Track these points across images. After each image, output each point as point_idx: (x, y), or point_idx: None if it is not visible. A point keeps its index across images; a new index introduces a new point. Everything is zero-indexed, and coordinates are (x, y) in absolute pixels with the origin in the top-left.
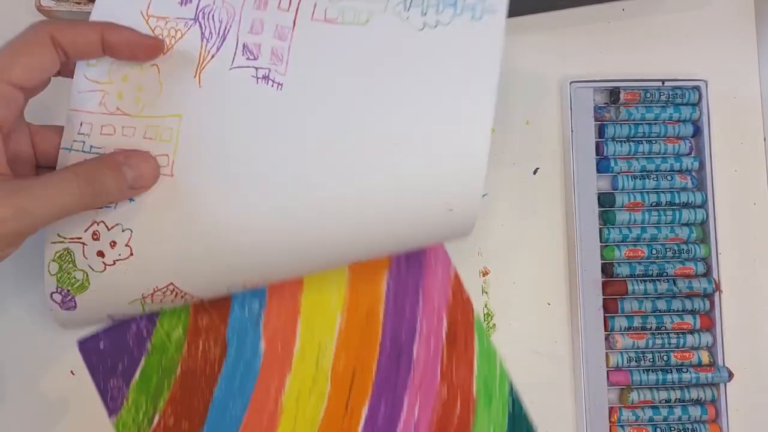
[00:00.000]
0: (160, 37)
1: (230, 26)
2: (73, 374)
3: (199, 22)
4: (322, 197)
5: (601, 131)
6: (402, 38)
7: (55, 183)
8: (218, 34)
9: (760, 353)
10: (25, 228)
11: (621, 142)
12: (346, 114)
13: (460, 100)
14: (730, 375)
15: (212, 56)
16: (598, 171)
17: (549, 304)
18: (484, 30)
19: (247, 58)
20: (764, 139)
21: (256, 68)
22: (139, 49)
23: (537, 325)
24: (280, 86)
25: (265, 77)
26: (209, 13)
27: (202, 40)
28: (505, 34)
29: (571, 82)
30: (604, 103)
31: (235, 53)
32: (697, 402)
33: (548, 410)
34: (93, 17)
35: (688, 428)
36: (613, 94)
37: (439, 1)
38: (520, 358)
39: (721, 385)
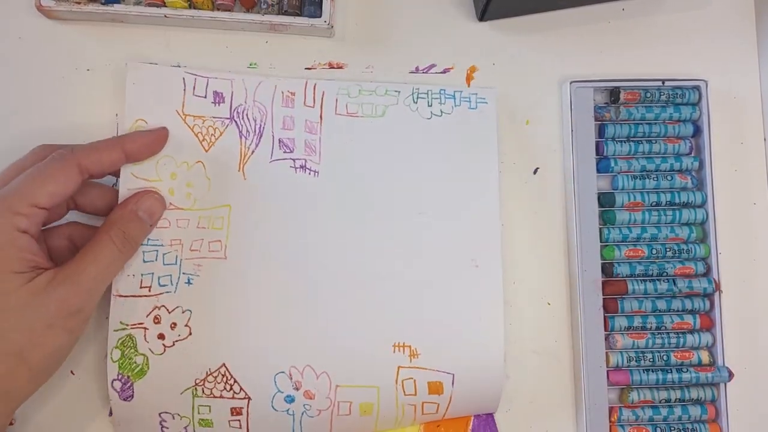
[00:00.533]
0: (200, 134)
1: (264, 123)
2: (73, 374)
3: (235, 121)
4: (357, 268)
5: (601, 131)
6: (414, 126)
7: (98, 250)
8: (255, 131)
9: (760, 353)
10: (95, 301)
11: (621, 141)
12: (372, 192)
13: (468, 169)
14: (730, 375)
15: (252, 152)
16: (598, 171)
17: (549, 303)
18: (480, 115)
19: (284, 152)
20: (764, 139)
21: (294, 159)
22: (155, 145)
23: (537, 325)
24: (316, 173)
25: (303, 167)
26: (243, 112)
27: (240, 137)
28: (496, 119)
29: (571, 82)
30: (604, 103)
31: (272, 148)
32: (697, 402)
33: (548, 410)
34: (127, 114)
35: (688, 428)
36: (613, 93)
37: (441, 94)
38: (520, 357)
39: (721, 385)
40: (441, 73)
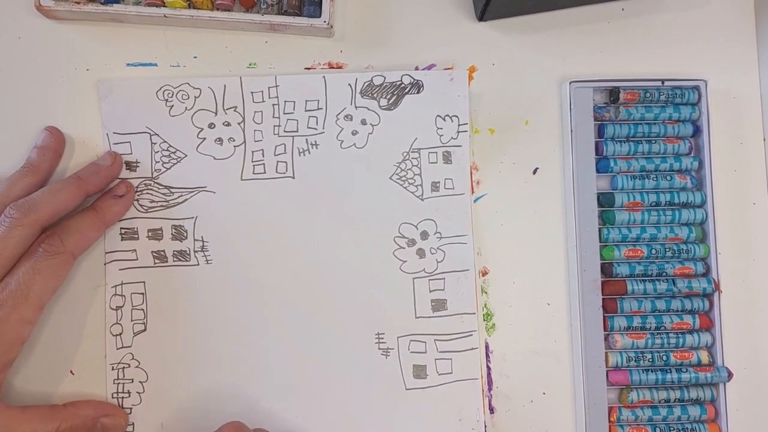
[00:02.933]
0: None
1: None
2: (72, 374)
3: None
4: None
5: (600, 131)
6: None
7: (41, 421)
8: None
9: (760, 353)
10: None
11: (620, 141)
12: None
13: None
14: (730, 375)
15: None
16: (598, 171)
17: (549, 304)
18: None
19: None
20: (764, 139)
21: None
22: (128, 205)
23: (536, 325)
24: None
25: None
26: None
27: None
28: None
29: (570, 82)
30: (604, 103)
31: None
32: (697, 402)
33: (548, 410)
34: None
35: (687, 428)
36: (613, 93)
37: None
38: (519, 357)
39: (721, 385)
40: None
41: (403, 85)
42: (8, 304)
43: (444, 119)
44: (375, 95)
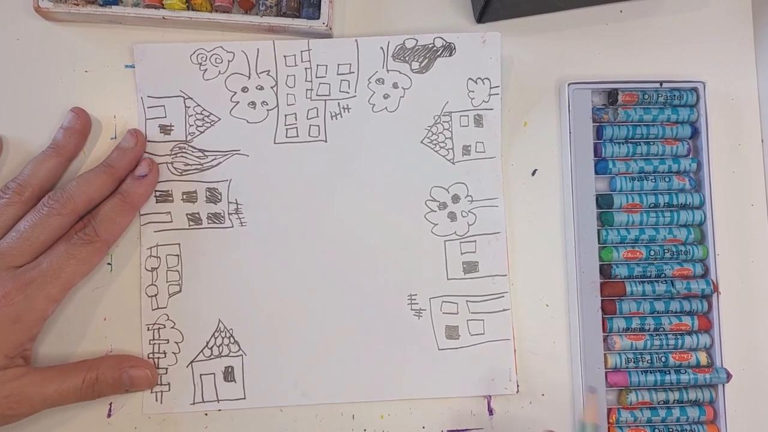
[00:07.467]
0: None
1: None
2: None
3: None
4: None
5: (599, 132)
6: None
7: (67, 376)
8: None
9: (758, 354)
10: (33, 410)
11: (619, 143)
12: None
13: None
14: (729, 376)
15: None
16: (596, 172)
17: (547, 305)
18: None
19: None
20: (762, 141)
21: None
22: (151, 189)
23: (535, 327)
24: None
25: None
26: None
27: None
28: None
29: (569, 84)
30: (602, 105)
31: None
32: (696, 403)
33: (547, 411)
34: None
35: (686, 429)
36: (611, 95)
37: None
38: (518, 359)
39: (720, 386)
40: None
41: (435, 48)
42: (38, 282)
43: (476, 82)
44: (407, 58)
